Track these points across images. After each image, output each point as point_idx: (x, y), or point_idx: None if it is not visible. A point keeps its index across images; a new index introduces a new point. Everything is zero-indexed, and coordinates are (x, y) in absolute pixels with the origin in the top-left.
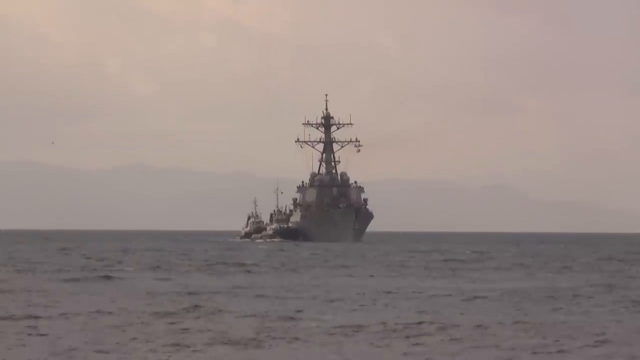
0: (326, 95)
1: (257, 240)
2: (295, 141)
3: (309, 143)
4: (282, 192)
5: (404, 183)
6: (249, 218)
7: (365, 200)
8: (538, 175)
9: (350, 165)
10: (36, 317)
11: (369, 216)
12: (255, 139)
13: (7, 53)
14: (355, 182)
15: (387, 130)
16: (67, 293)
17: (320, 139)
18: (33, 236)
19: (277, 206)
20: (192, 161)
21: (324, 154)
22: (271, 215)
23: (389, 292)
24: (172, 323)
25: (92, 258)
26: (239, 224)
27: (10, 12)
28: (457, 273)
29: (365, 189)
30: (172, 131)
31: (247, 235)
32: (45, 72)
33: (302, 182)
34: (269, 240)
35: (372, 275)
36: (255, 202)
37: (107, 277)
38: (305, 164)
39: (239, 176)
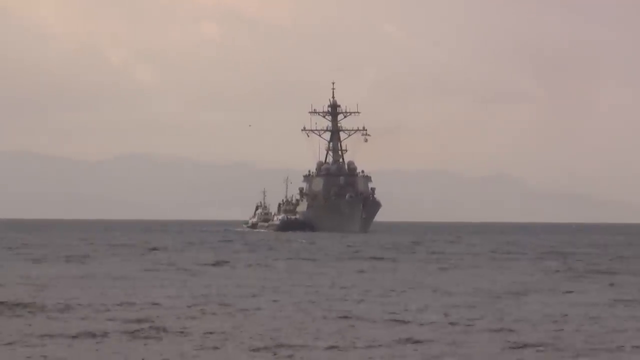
0: (333, 83)
1: (262, 230)
2: (302, 130)
3: (315, 132)
4: (291, 182)
5: (407, 173)
6: (257, 208)
7: (373, 189)
8: (540, 165)
9: (357, 154)
10: None
11: (376, 206)
12: (260, 129)
13: (6, 43)
14: (363, 172)
15: (393, 119)
16: None
17: (327, 127)
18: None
19: (286, 196)
20: (194, 151)
21: (331, 143)
22: (279, 205)
23: None
24: None
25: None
26: (242, 214)
27: (9, 1)
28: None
29: (372, 179)
30: (173, 121)
31: (254, 225)
32: (45, 61)
33: (309, 171)
34: (264, 230)
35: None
36: (264, 193)
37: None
38: (311, 153)
39: (242, 166)
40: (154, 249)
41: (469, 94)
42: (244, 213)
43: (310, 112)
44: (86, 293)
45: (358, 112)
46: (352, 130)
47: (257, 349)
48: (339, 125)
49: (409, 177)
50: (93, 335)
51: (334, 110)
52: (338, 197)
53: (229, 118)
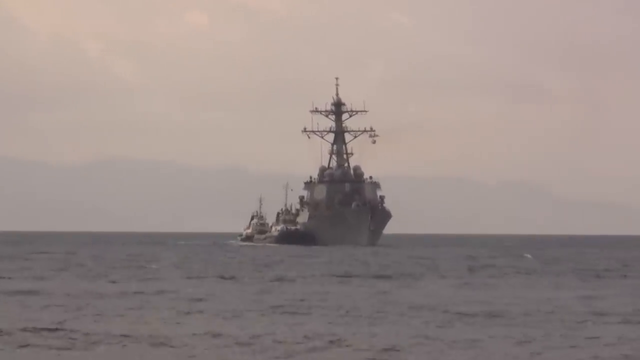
0: (337, 79)
1: (257, 244)
2: (302, 131)
3: (317, 133)
4: (291, 189)
5: (420, 179)
6: (252, 218)
7: (382, 197)
8: (568, 171)
9: (364, 158)
10: None
11: (385, 216)
12: (255, 129)
13: None
14: (370, 177)
15: (404, 119)
16: None
17: (330, 128)
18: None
19: (286, 204)
20: (181, 154)
21: (335, 146)
22: (278, 214)
23: None
24: None
25: None
26: (233, 225)
27: None
28: None
29: (381, 185)
30: (156, 121)
31: (249, 237)
32: (16, 56)
33: (311, 177)
34: (260, 243)
35: None
36: (260, 201)
37: None
38: (313, 157)
39: (236, 171)
40: (146, 266)
41: (491, 92)
42: (239, 223)
43: (311, 111)
44: (79, 316)
45: (365, 111)
46: (359, 131)
47: None
48: (343, 125)
49: (422, 184)
50: None
51: (338, 108)
52: (343, 206)
53: (221, 118)
